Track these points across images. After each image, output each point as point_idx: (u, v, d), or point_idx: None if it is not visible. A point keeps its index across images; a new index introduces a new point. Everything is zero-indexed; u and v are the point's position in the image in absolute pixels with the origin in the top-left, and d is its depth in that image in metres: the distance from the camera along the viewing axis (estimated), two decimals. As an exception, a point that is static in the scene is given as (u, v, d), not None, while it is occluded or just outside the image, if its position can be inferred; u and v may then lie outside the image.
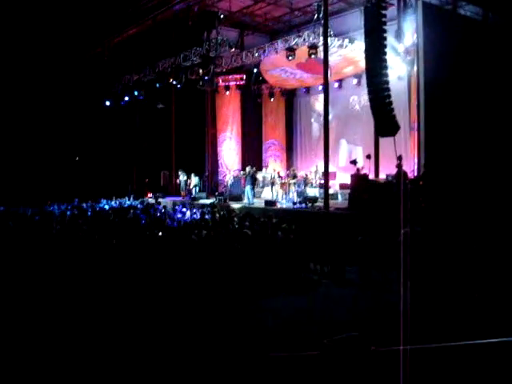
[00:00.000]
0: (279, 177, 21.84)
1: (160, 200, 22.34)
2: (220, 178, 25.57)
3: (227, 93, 25.36)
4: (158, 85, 23.78)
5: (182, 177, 24.04)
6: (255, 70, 23.25)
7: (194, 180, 23.38)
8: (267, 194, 22.16)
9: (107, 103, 26.88)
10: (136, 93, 25.39)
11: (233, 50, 22.16)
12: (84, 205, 21.12)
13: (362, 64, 15.57)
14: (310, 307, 9.58)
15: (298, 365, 6.12)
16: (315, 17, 18.60)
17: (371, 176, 17.74)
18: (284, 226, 12.74)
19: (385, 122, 14.00)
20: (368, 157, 17.98)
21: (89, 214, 17.71)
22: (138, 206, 20.69)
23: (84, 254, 10.54)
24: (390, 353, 5.55)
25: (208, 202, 21.25)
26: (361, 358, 5.28)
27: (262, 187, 22.98)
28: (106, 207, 20.77)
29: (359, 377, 5.20)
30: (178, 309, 8.84)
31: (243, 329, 8.08)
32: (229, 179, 24.09)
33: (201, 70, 22.05)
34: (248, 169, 21.60)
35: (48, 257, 10.52)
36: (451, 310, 8.23)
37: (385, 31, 13.91)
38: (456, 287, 9.00)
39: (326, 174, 17.14)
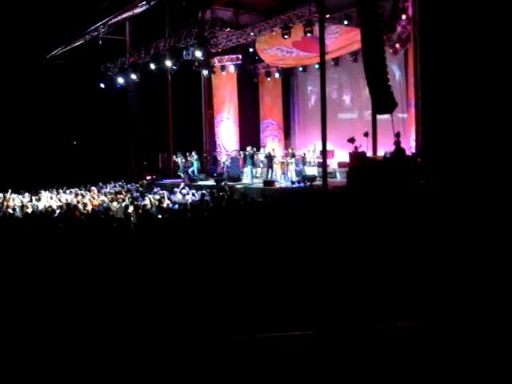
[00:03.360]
0: (274, 156, 21.61)
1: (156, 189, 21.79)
2: (218, 158, 25.55)
3: (223, 73, 25.20)
4: (153, 66, 23.64)
5: (180, 158, 23.99)
6: (251, 50, 23.13)
7: (194, 157, 23.23)
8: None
9: (102, 86, 26.75)
10: (131, 75, 25.24)
11: (228, 29, 21.99)
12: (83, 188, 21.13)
13: (359, 41, 15.48)
14: (306, 286, 9.62)
15: (291, 345, 6.13)
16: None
17: (369, 154, 17.74)
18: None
19: (382, 99, 13.99)
20: (366, 134, 17.95)
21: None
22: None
23: (83, 238, 10.57)
24: (388, 330, 5.60)
25: (208, 183, 21.28)
26: (359, 336, 5.31)
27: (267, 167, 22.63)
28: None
29: (357, 356, 5.24)
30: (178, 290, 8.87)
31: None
32: (225, 160, 24.07)
33: (196, 51, 21.91)
34: (248, 149, 21.62)
35: (48, 242, 10.54)
36: (451, 286, 8.29)
37: (381, 7, 13.83)
38: (456, 263, 9.06)
39: (324, 153, 17.18)
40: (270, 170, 21.23)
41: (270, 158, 21.26)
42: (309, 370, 5.39)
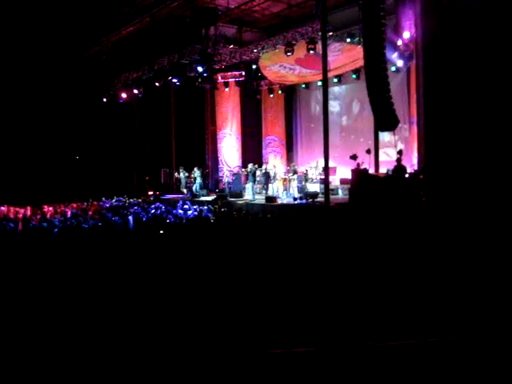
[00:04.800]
0: (275, 173, 21.75)
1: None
2: (220, 174, 25.56)
3: (226, 89, 25.28)
4: (157, 83, 23.76)
5: (183, 174, 24.03)
6: (254, 67, 23.23)
7: (197, 173, 23.29)
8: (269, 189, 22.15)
9: (105, 101, 26.87)
10: (135, 91, 25.36)
11: (231, 46, 22.11)
12: (85, 203, 21.15)
13: (362, 58, 15.54)
14: (309, 302, 9.55)
15: (294, 361, 6.08)
16: (313, 12, 18.55)
17: (371, 171, 17.73)
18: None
19: (384, 117, 13.98)
20: (368, 151, 17.95)
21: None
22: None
23: (87, 253, 10.55)
24: (387, 348, 5.54)
25: (209, 199, 21.29)
26: (358, 353, 5.26)
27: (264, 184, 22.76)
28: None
29: (357, 372, 5.19)
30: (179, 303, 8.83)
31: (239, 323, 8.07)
32: (225, 176, 24.08)
33: (199, 67, 22.00)
34: (250, 166, 21.66)
35: (51, 256, 10.52)
36: (450, 303, 8.22)
37: (383, 25, 13.87)
38: (456, 281, 8.99)
39: (327, 170, 17.15)
40: (266, 187, 21.35)
41: (267, 175, 21.40)
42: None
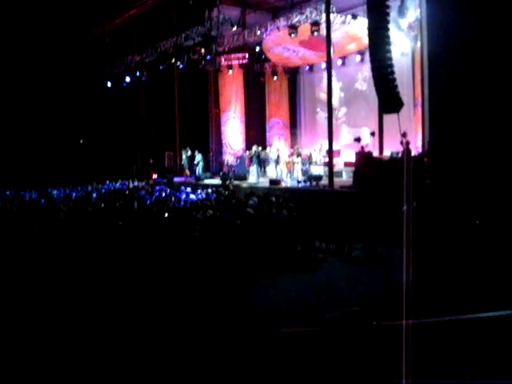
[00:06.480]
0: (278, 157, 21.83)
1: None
2: (224, 157, 25.55)
3: (230, 72, 25.15)
4: (160, 66, 23.70)
5: (186, 154, 24.00)
6: (258, 49, 23.10)
7: (198, 157, 23.32)
8: (272, 172, 22.17)
9: (109, 84, 26.83)
10: (138, 73, 25.31)
11: (235, 28, 21.98)
12: (89, 187, 21.24)
13: (366, 40, 15.44)
14: (315, 284, 9.66)
15: (300, 341, 6.18)
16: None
17: (375, 153, 17.71)
18: (289, 205, 12.80)
19: (389, 99, 13.90)
20: (372, 134, 17.93)
21: (94, 196, 17.81)
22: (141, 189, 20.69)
23: (91, 236, 10.61)
24: (391, 327, 5.61)
25: (213, 182, 21.32)
26: (363, 332, 5.34)
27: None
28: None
29: (362, 351, 5.26)
30: (181, 288, 8.91)
31: (246, 307, 8.16)
32: (228, 158, 24.07)
33: (203, 50, 21.92)
34: (254, 148, 21.63)
35: (55, 240, 10.58)
36: (454, 285, 8.27)
37: (388, 7, 13.75)
38: (459, 263, 9.04)
39: (331, 152, 17.16)
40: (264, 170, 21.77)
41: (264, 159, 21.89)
42: (315, 366, 5.42)
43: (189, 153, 23.94)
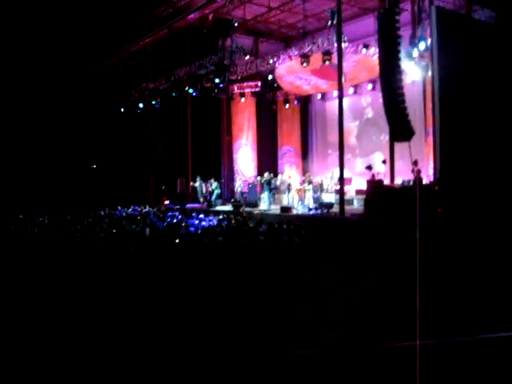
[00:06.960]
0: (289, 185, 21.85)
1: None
2: (235, 184, 25.63)
3: (242, 100, 25.40)
4: (173, 93, 24.00)
5: (199, 183, 24.12)
6: (270, 77, 23.36)
7: (214, 184, 23.42)
8: (283, 200, 22.18)
9: (123, 111, 27.18)
10: (153, 101, 25.64)
11: (247, 57, 22.25)
12: (101, 212, 21.34)
13: (377, 69, 15.55)
14: (325, 313, 9.57)
15: (296, 363, 6.11)
16: (329, 23, 18.67)
17: (387, 181, 17.70)
18: (300, 232, 12.79)
19: (400, 127, 13.88)
20: (383, 162, 17.94)
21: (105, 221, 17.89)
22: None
23: (102, 260, 10.66)
24: (397, 350, 5.55)
25: (225, 208, 21.37)
26: (359, 354, 5.29)
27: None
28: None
29: (359, 374, 5.20)
30: (190, 313, 8.88)
31: (253, 332, 8.10)
32: (238, 186, 24.12)
33: (216, 78, 22.19)
34: (266, 175, 21.71)
35: (67, 263, 10.65)
36: (465, 315, 8.18)
37: (399, 36, 13.83)
38: (469, 290, 8.95)
39: (342, 180, 17.16)
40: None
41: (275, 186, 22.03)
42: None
43: (202, 183, 24.02)
